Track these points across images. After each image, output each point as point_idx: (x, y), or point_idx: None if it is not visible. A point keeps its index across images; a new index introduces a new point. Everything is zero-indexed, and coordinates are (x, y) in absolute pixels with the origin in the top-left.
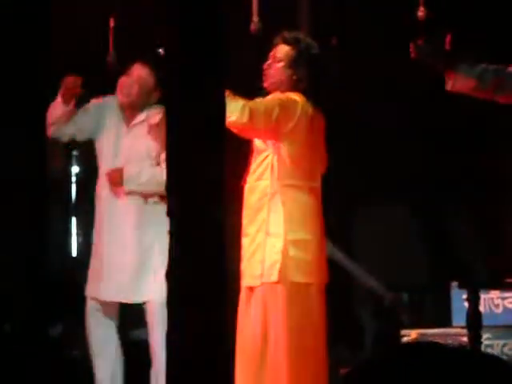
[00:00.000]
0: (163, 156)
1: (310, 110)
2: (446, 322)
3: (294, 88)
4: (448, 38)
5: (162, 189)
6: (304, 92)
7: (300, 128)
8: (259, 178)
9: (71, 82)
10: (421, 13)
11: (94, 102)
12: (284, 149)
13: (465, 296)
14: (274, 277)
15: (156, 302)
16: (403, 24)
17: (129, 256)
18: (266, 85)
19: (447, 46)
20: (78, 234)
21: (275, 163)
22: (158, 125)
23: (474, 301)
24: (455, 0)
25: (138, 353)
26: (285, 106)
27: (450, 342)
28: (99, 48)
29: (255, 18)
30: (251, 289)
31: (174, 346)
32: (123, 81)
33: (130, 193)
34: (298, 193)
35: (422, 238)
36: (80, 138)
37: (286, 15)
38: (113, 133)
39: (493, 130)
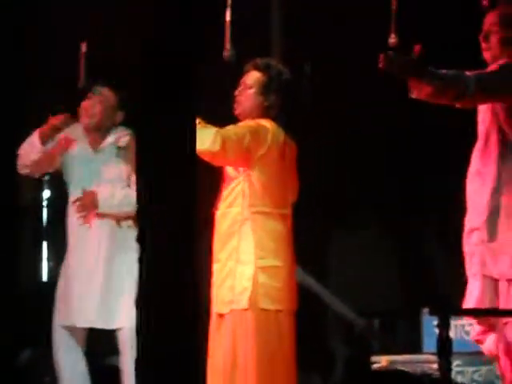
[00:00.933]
0: (134, 178)
1: (281, 137)
2: (416, 348)
3: (264, 115)
4: (417, 48)
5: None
6: (275, 119)
7: (271, 155)
8: (230, 205)
9: (61, 120)
10: (392, 40)
11: (59, 134)
12: (255, 176)
13: (436, 322)
14: (244, 304)
15: (127, 328)
16: (376, 50)
17: (98, 281)
18: (237, 112)
19: (416, 56)
20: (48, 259)
21: (246, 190)
22: (126, 147)
23: (444, 327)
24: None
25: (111, 380)
26: (256, 133)
27: (420, 368)
28: (70, 73)
29: (228, 45)
30: (221, 315)
31: (143, 373)
32: (85, 104)
33: (103, 215)
34: (269, 220)
35: (393, 263)
36: (50, 170)
37: (259, 41)
38: (80, 159)
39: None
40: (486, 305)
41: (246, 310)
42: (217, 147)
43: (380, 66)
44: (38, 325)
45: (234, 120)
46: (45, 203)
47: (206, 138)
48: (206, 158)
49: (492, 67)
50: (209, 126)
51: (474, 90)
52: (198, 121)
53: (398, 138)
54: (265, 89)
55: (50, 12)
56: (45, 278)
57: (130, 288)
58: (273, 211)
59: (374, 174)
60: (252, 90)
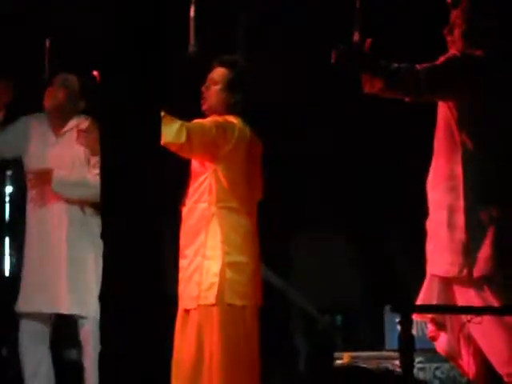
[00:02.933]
0: (93, 161)
1: (247, 133)
2: (379, 345)
3: (231, 111)
4: (368, 41)
5: (91, 193)
6: (241, 115)
7: (238, 151)
8: (197, 201)
9: (1, 87)
10: (356, 37)
11: (22, 118)
12: (222, 172)
13: (398, 319)
14: (211, 299)
15: (91, 319)
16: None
17: (63, 268)
18: (204, 107)
19: (367, 49)
20: (11, 255)
21: (213, 186)
22: (86, 130)
23: (406, 324)
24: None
25: (71, 373)
26: (222, 128)
27: (382, 365)
28: (34, 68)
29: (192, 41)
30: (187, 311)
31: (107, 367)
32: (50, 88)
33: (60, 197)
34: (236, 216)
35: (356, 260)
36: (9, 155)
37: (224, 37)
38: (41, 144)
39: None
40: (434, 302)
41: (212, 305)
42: (182, 139)
43: (332, 61)
44: (1, 319)
45: (198, 116)
46: (7, 198)
47: (172, 131)
48: (173, 150)
49: (440, 60)
50: (174, 119)
51: (423, 85)
52: (162, 114)
53: (355, 134)
54: (230, 85)
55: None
56: (7, 273)
57: (94, 277)
58: (239, 207)
59: (336, 171)
60: (218, 86)
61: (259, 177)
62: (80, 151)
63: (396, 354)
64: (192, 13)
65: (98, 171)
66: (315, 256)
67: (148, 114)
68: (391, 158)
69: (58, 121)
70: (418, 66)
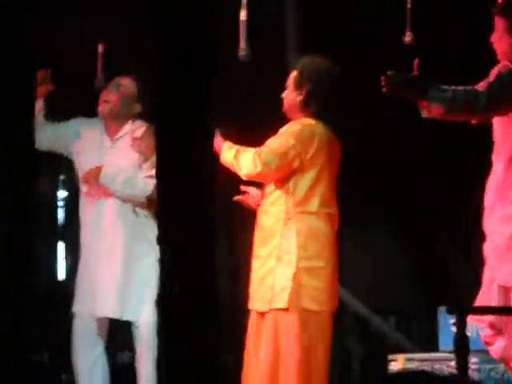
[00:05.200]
0: (144, 167)
1: (326, 135)
2: (433, 346)
3: (305, 112)
4: (415, 63)
5: (136, 195)
6: (317, 116)
7: (318, 155)
8: (274, 203)
9: (39, 77)
10: (407, 37)
11: (79, 118)
12: (302, 176)
13: (452, 320)
14: (283, 303)
15: (145, 324)
16: (391, 48)
17: (117, 271)
18: (283, 111)
19: (415, 71)
20: (65, 258)
21: (291, 190)
22: (141, 138)
23: (461, 325)
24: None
25: (125, 377)
26: (300, 142)
27: (437, 366)
28: (88, 73)
29: (243, 45)
30: (262, 314)
31: (164, 372)
32: (104, 92)
33: (107, 194)
34: (313, 219)
35: (411, 261)
36: (57, 149)
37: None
38: (95, 148)
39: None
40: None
41: (286, 309)
42: (258, 169)
43: (383, 90)
44: (54, 323)
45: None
46: (60, 203)
47: (246, 162)
48: (255, 180)
49: (492, 74)
50: (247, 149)
51: (486, 105)
52: (236, 149)
53: (413, 137)
54: (297, 84)
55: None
56: (61, 277)
57: (149, 282)
58: (318, 210)
59: (389, 174)
60: (290, 89)
61: (338, 176)
62: (134, 157)
63: (450, 355)
64: (243, 16)
65: (148, 175)
66: (369, 257)
67: (202, 117)
68: (444, 157)
69: (113, 125)
70: (476, 87)
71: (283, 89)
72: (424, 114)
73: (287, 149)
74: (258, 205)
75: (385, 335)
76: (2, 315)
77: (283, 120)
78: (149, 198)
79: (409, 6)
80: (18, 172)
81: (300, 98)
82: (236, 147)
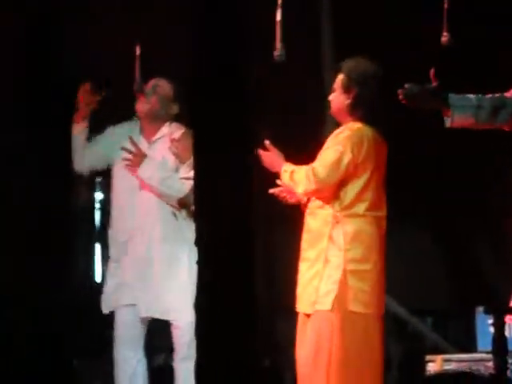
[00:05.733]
0: (181, 169)
1: (374, 139)
2: (471, 346)
3: (352, 115)
4: (432, 73)
5: (171, 194)
6: (365, 119)
7: (367, 160)
8: (321, 206)
9: (87, 94)
10: (444, 38)
11: (111, 128)
12: (353, 180)
13: (490, 321)
14: (328, 305)
15: (184, 324)
16: (427, 48)
17: (156, 271)
18: (331, 113)
19: (433, 82)
20: (102, 261)
21: (340, 193)
22: (179, 140)
23: (499, 326)
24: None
25: (158, 379)
26: (352, 146)
27: (475, 367)
28: (125, 76)
29: (278, 45)
30: (308, 315)
31: (203, 373)
32: (141, 94)
33: (143, 185)
34: (361, 222)
35: (448, 261)
36: (99, 166)
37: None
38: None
39: None
40: None
41: (330, 311)
42: (313, 186)
43: (402, 102)
44: (91, 327)
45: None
46: (97, 205)
47: (301, 181)
48: (312, 196)
49: None
50: (302, 167)
51: None
52: (291, 169)
53: (449, 140)
54: (344, 87)
55: (100, 14)
56: (98, 279)
57: (188, 283)
58: (366, 213)
59: (426, 173)
60: (337, 92)
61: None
62: (170, 159)
63: (488, 356)
64: (278, 17)
65: (184, 176)
66: (406, 257)
67: (239, 120)
68: (480, 156)
69: (150, 127)
70: (505, 94)
71: (318, 89)
72: (448, 123)
73: (339, 157)
74: (292, 198)
75: (422, 336)
76: (44, 318)
77: (319, 121)
78: (181, 199)
79: (446, 6)
80: (56, 175)
81: (348, 101)
82: (292, 168)
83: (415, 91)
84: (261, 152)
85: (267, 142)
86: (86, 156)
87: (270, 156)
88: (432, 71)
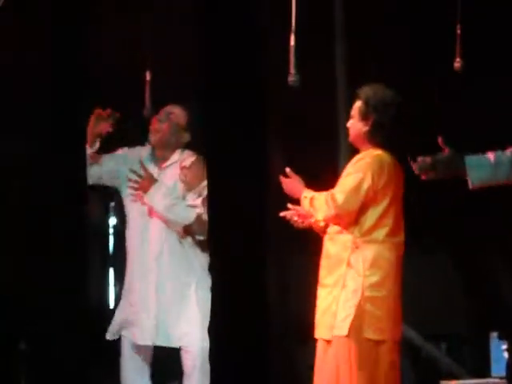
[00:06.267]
0: (188, 195)
1: (393, 164)
2: (484, 372)
3: (370, 142)
4: (440, 141)
5: (180, 222)
6: (382, 143)
7: (389, 185)
8: (340, 232)
9: (102, 114)
10: (457, 63)
11: (124, 148)
12: (373, 206)
13: (504, 346)
14: (345, 330)
15: (195, 349)
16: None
17: (166, 299)
18: (350, 140)
19: (444, 150)
20: (115, 285)
21: (361, 219)
22: (189, 167)
23: None
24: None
25: None
26: (372, 172)
27: None
28: (135, 101)
29: (292, 70)
30: (328, 342)
31: None
32: (154, 120)
33: (152, 212)
34: (380, 248)
35: (462, 287)
36: (107, 182)
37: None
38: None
39: None
40: None
41: (347, 337)
42: (332, 212)
43: (419, 175)
44: (105, 349)
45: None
46: (111, 230)
47: (321, 208)
48: (333, 223)
49: None
50: (321, 194)
51: None
52: (311, 195)
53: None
54: (362, 114)
55: (112, 39)
56: (112, 304)
57: (196, 309)
58: (385, 239)
59: (442, 199)
60: (354, 119)
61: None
62: (179, 186)
63: (502, 382)
64: (292, 42)
65: (191, 204)
66: (420, 283)
67: (252, 146)
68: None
69: (162, 153)
70: None
71: (333, 116)
72: (470, 186)
73: (359, 184)
74: (304, 222)
75: (436, 361)
76: (59, 343)
77: (334, 147)
78: (187, 227)
79: (458, 31)
80: (70, 199)
81: (366, 128)
82: (312, 194)
83: (429, 164)
84: (282, 179)
85: (288, 170)
86: (93, 169)
87: (291, 182)
88: (440, 139)
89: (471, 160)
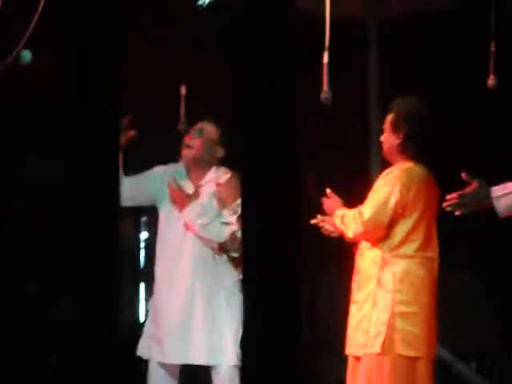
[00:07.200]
0: (223, 212)
1: (424, 179)
2: None
3: (402, 155)
4: (464, 176)
5: (213, 239)
6: (414, 156)
7: (419, 199)
8: (370, 247)
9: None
10: (491, 81)
11: (158, 167)
12: (402, 220)
13: None
14: (377, 348)
15: (226, 367)
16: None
17: (197, 316)
18: (383, 154)
19: (470, 184)
20: (146, 300)
21: (390, 234)
22: (224, 185)
23: None
24: None
25: None
26: (401, 185)
27: None
28: (170, 116)
29: (325, 87)
30: (358, 358)
31: None
32: (187, 137)
33: (189, 227)
34: (411, 264)
35: (493, 306)
36: (143, 202)
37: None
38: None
39: None
40: None
41: (380, 354)
42: (360, 228)
43: (459, 214)
44: (136, 366)
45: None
46: (142, 244)
47: (350, 225)
48: (364, 240)
49: None
50: (350, 211)
51: None
52: (341, 213)
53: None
54: (393, 127)
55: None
56: (142, 318)
57: (228, 325)
58: (416, 254)
59: (475, 217)
60: (386, 132)
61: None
62: (215, 204)
63: None
64: (325, 59)
65: (225, 221)
66: (451, 301)
67: (286, 164)
68: None
69: (197, 171)
70: None
71: (365, 130)
72: (500, 216)
73: (387, 198)
74: (335, 232)
75: (467, 380)
76: (89, 359)
77: (365, 161)
78: (222, 244)
79: (492, 49)
80: (103, 213)
81: (398, 141)
82: (343, 212)
83: (457, 202)
84: (323, 199)
85: (328, 190)
86: (127, 189)
87: (330, 202)
88: (464, 174)
89: (497, 190)
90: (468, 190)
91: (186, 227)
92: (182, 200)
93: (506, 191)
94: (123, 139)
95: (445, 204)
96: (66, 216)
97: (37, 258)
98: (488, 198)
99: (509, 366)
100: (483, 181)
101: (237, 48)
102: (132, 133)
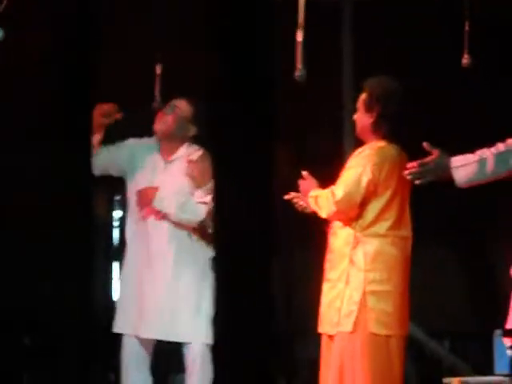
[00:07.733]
0: (197, 193)
1: (397, 156)
2: (488, 369)
3: (377, 134)
4: (425, 145)
5: (191, 220)
6: (387, 135)
7: (391, 178)
8: (342, 226)
9: (104, 110)
10: (465, 60)
11: (131, 139)
12: (374, 199)
13: (508, 344)
14: (349, 327)
15: (197, 345)
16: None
17: (171, 293)
18: (356, 133)
19: (432, 153)
20: (120, 278)
21: (362, 213)
22: (196, 162)
23: None
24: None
25: None
26: (373, 164)
27: None
28: (144, 94)
29: (299, 65)
30: (331, 337)
31: None
32: (160, 113)
33: (159, 216)
34: (382, 242)
35: (466, 285)
36: (113, 172)
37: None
38: (148, 168)
39: None
40: None
41: (352, 332)
42: (333, 208)
43: (415, 182)
44: (108, 344)
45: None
46: (115, 223)
47: (323, 205)
48: (337, 219)
49: None
50: (323, 191)
51: None
52: (315, 194)
53: None
54: (366, 106)
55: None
56: (116, 297)
57: (199, 302)
58: (388, 233)
59: (446, 192)
60: (360, 111)
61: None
62: (187, 181)
63: (506, 379)
64: (299, 37)
65: (200, 200)
66: (424, 280)
67: (258, 140)
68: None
69: (168, 146)
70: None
71: (338, 109)
72: (458, 186)
73: (358, 177)
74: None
75: (440, 358)
76: (62, 336)
77: (338, 140)
78: (199, 224)
79: (467, 28)
80: (75, 193)
81: (371, 120)
82: (317, 193)
83: (418, 170)
84: (300, 181)
85: (304, 172)
86: (98, 160)
87: (306, 184)
88: (425, 144)
89: (456, 160)
90: (429, 158)
91: (156, 216)
92: (146, 197)
93: (465, 162)
94: (107, 121)
95: (405, 172)
96: (40, 195)
97: (11, 237)
98: (448, 167)
99: (481, 344)
100: (444, 151)
101: (212, 28)
102: (117, 116)
